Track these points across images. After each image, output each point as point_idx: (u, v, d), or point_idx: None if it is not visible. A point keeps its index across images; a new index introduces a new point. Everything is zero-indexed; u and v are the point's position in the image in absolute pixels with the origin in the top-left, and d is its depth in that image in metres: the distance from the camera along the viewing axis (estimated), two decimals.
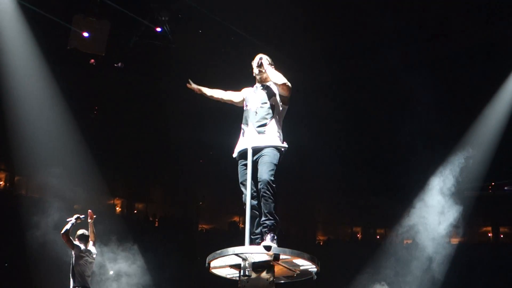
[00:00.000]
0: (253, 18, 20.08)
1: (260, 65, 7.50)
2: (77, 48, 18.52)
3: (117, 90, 24.23)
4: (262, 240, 6.83)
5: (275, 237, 6.81)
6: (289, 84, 7.33)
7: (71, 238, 11.82)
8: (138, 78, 23.37)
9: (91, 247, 12.10)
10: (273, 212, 6.92)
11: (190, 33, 20.66)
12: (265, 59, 7.58)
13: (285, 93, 7.36)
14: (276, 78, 7.33)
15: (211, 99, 7.96)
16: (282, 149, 7.22)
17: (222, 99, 7.89)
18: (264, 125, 7.28)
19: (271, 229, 6.84)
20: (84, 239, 12.03)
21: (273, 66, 7.62)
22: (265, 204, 6.93)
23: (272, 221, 6.88)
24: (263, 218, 6.94)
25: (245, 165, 7.18)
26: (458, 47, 20.84)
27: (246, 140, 7.29)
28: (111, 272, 16.63)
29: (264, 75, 7.52)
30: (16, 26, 18.29)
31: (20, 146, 20.64)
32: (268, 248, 6.56)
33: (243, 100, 7.69)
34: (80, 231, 12.12)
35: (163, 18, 19.03)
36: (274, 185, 6.98)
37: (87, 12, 18.14)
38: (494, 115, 20.62)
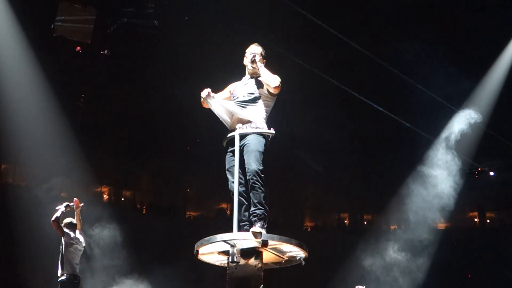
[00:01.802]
0: (241, 4, 20.01)
1: (253, 61, 7.52)
2: (63, 35, 18.41)
3: (103, 78, 24.12)
4: (251, 226, 6.85)
5: (265, 225, 6.83)
6: (280, 84, 7.37)
7: (61, 225, 11.83)
8: (125, 65, 23.27)
9: (78, 235, 12.12)
10: (263, 201, 6.96)
11: (176, 20, 20.58)
12: (259, 54, 7.59)
13: (274, 92, 7.40)
14: (268, 80, 7.37)
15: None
16: (267, 136, 7.24)
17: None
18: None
19: (260, 218, 6.87)
20: (72, 227, 12.03)
21: (265, 60, 7.64)
22: (255, 194, 6.96)
23: (262, 210, 6.92)
24: (252, 208, 6.97)
25: (232, 152, 7.23)
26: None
27: (233, 127, 7.32)
28: None
29: (255, 70, 7.55)
30: (1, 13, 18.15)
31: (6, 135, 20.52)
32: (257, 234, 6.58)
33: (231, 95, 7.71)
34: (67, 219, 12.12)
35: (149, 5, 18.94)
36: (262, 175, 7.02)
37: None
38: (481, 100, 20.67)
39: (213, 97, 7.50)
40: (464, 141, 19.22)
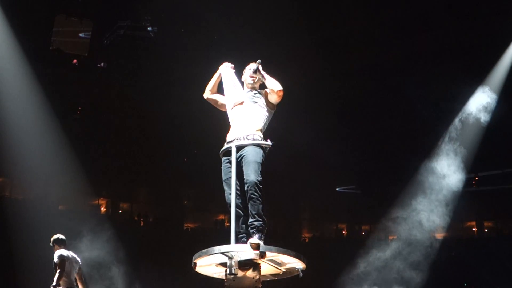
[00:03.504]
0: (237, 16, 20.06)
1: (256, 71, 7.51)
2: (60, 48, 18.46)
3: (100, 90, 24.15)
4: (249, 238, 6.83)
5: (262, 237, 6.81)
6: (282, 90, 7.40)
7: (59, 276, 11.56)
8: (121, 77, 23.30)
9: (70, 253, 11.84)
10: (261, 213, 6.93)
11: (172, 32, 20.63)
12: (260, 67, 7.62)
13: (277, 99, 7.43)
14: (272, 85, 7.39)
15: (209, 96, 7.85)
16: (265, 147, 7.23)
17: (217, 101, 7.85)
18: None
19: (259, 230, 6.84)
20: (61, 242, 11.81)
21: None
22: (253, 205, 6.93)
23: (260, 222, 6.89)
24: (251, 219, 6.94)
25: (229, 163, 7.20)
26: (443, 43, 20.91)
27: (230, 138, 7.31)
28: None
29: (255, 84, 7.57)
30: None
31: (3, 148, 20.51)
32: (255, 245, 6.57)
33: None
34: (55, 236, 11.89)
35: (145, 17, 19.00)
36: (261, 186, 6.99)
37: (70, 12, 18.07)
38: (477, 109, 20.67)
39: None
40: (463, 149, 19.26)
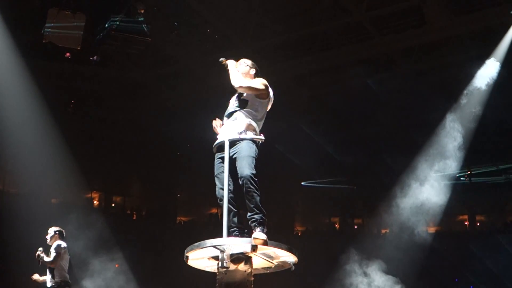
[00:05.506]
0: (230, 10, 20.05)
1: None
2: (53, 41, 18.41)
3: (93, 84, 24.12)
4: (240, 232, 6.87)
5: (265, 230, 6.80)
6: (250, 85, 7.28)
7: (54, 260, 11.62)
8: (114, 71, 23.27)
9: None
10: (260, 205, 6.90)
11: (166, 26, 20.62)
12: (243, 63, 7.55)
13: (251, 93, 7.35)
14: (232, 81, 7.29)
15: None
16: (258, 141, 7.22)
17: None
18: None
19: (260, 223, 6.82)
20: (62, 235, 11.94)
21: (253, 69, 7.61)
22: (250, 199, 6.90)
23: (260, 215, 6.85)
24: (250, 214, 6.90)
25: (222, 158, 7.18)
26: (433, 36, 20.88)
27: (223, 133, 7.31)
28: None
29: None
30: None
31: None
32: (261, 242, 6.56)
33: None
34: (59, 228, 11.98)
35: (139, 11, 18.96)
36: (256, 179, 6.97)
37: (62, 5, 18.02)
38: (470, 103, 20.73)
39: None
40: (457, 142, 19.32)
